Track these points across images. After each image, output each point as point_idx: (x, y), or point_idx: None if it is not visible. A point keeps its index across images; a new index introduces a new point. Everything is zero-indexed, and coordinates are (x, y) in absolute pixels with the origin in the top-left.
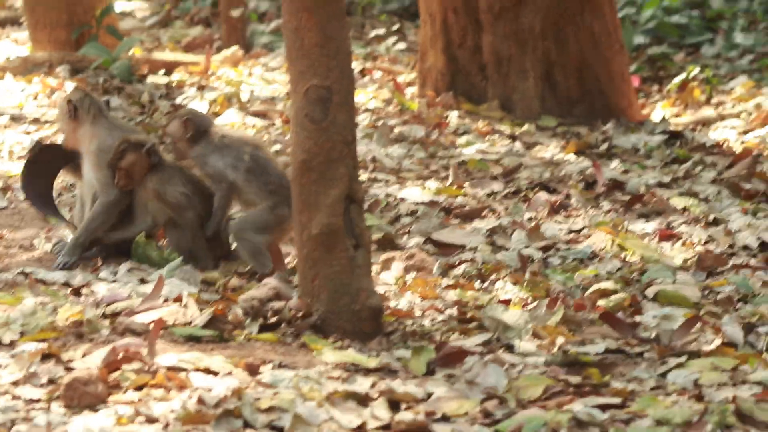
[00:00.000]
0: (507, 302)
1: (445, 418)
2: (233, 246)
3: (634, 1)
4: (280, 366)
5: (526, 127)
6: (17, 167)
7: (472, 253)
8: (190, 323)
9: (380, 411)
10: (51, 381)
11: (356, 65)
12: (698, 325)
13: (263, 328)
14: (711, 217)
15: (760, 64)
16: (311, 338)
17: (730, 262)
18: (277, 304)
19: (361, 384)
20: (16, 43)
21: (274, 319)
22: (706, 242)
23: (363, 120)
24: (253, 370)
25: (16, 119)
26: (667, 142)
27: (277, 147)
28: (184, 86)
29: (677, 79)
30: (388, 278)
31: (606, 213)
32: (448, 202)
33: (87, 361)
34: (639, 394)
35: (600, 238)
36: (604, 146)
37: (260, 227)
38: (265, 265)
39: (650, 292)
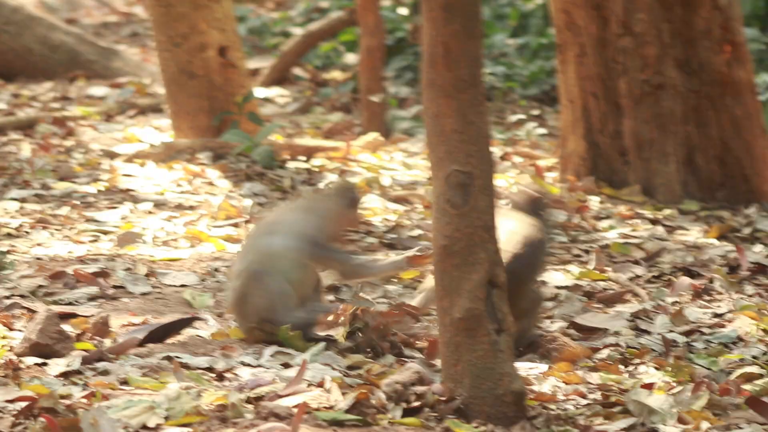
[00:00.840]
0: (651, 386)
1: None
2: None
3: None
4: None
5: (668, 211)
6: (160, 253)
7: (615, 338)
8: (333, 407)
9: None
10: None
11: (497, 150)
12: None
13: (406, 413)
14: None
15: None
16: (454, 423)
17: None
18: (419, 389)
19: None
20: (158, 131)
21: (417, 404)
22: None
23: (504, 205)
24: None
25: (158, 205)
26: None
27: (419, 232)
28: (324, 171)
29: None
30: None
31: (750, 297)
32: (590, 286)
33: None
34: None
35: (744, 322)
36: (748, 230)
37: None
38: None
39: None
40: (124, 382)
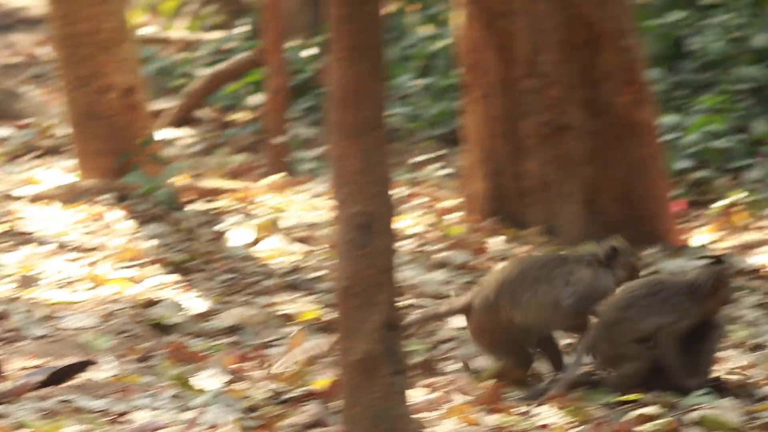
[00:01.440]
0: (546, 427)
1: None
2: None
3: (677, 125)
4: None
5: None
6: (61, 295)
7: None
8: None
9: None
10: None
11: (400, 191)
12: None
13: None
14: (753, 342)
15: None
16: None
17: None
18: (318, 431)
19: None
20: (64, 172)
21: None
22: (748, 367)
23: (406, 245)
24: None
25: (60, 247)
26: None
27: (320, 273)
28: (227, 213)
29: (720, 204)
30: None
31: None
32: None
33: None
34: None
35: None
36: (647, 271)
37: None
38: None
39: (693, 416)
40: (20, 426)
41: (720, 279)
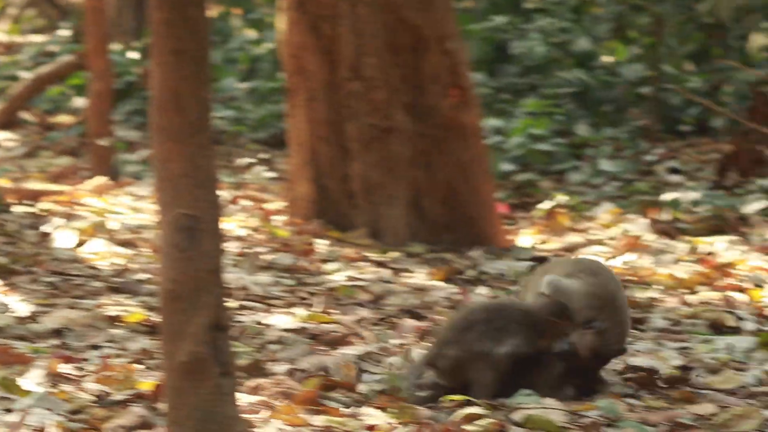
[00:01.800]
0: (373, 428)
1: None
2: None
3: (501, 128)
4: None
5: (394, 254)
6: None
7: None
8: None
9: None
10: None
11: (225, 194)
12: None
13: None
14: None
15: (625, 191)
16: None
17: None
18: None
19: None
20: None
21: None
22: None
23: (231, 248)
24: None
25: None
26: (533, 268)
27: (146, 276)
28: (51, 215)
29: (544, 206)
30: (255, 405)
31: None
32: (316, 328)
33: None
34: None
35: None
36: (473, 272)
37: None
38: None
39: (517, 415)
40: None
41: (558, 316)
